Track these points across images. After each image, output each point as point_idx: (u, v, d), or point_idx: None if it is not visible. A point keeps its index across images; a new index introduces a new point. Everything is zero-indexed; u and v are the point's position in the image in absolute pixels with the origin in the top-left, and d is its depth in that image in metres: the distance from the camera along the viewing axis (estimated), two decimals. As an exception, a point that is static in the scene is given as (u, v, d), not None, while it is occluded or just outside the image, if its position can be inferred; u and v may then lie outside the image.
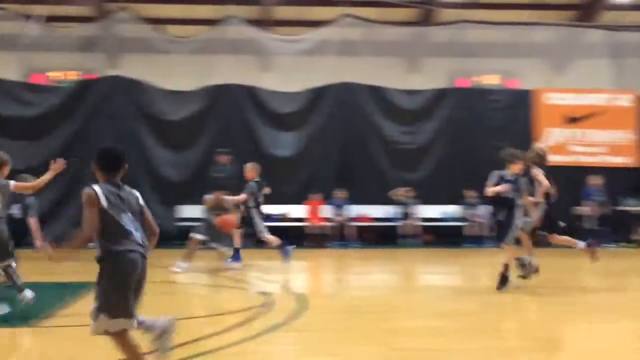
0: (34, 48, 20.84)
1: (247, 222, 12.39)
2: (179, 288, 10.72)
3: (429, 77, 20.27)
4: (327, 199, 17.81)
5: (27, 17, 20.98)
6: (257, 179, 12.72)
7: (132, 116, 17.54)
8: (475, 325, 7.53)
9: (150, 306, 8.78)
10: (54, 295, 9.53)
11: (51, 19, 24.69)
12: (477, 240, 17.67)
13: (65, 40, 20.92)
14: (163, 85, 18.48)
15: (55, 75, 26.29)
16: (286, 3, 26.07)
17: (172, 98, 18.23)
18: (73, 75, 26.02)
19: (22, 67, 21.38)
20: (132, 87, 17.82)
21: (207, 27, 20.69)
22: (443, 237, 17.92)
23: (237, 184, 15.74)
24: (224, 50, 19.16)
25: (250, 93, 18.35)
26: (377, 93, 18.76)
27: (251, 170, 12.76)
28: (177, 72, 19.39)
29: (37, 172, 16.75)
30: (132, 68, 20.57)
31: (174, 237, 15.14)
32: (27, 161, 16.99)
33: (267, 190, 12.90)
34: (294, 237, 16.24)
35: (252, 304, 8.56)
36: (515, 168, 9.96)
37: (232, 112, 17.99)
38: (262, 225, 12.34)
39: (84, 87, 18.13)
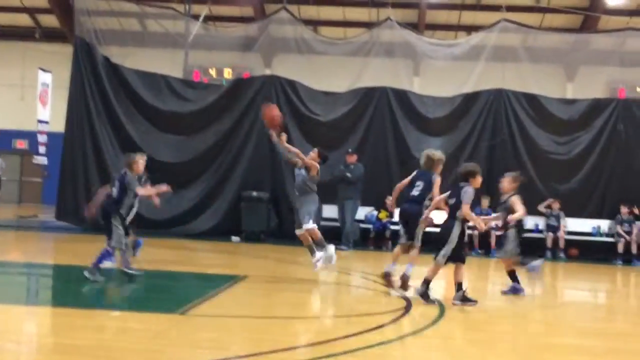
0: (196, 46, 21.74)
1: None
2: (322, 287, 10.84)
3: (587, 86, 19.54)
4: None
5: (191, 16, 21.93)
6: None
7: (284, 114, 17.90)
8: (632, 347, 7.14)
9: (291, 302, 9.02)
10: (200, 285, 9.89)
11: (212, 18, 25.78)
12: (628, 258, 16.83)
13: (225, 39, 21.66)
14: (315, 86, 18.76)
15: (212, 73, 27.42)
16: (442, 7, 25.95)
17: (323, 99, 18.47)
18: (229, 73, 27.06)
19: (184, 64, 22.38)
20: (285, 87, 18.21)
21: (361, 30, 20.87)
22: (591, 252, 17.18)
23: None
24: (377, 53, 19.19)
25: (401, 96, 18.29)
26: (531, 101, 18.22)
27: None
28: (330, 74, 19.64)
29: (192, 165, 17.60)
30: (286, 68, 21.03)
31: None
32: (184, 154, 17.86)
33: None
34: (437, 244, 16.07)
35: (394, 307, 8.54)
36: None
37: (381, 115, 18.01)
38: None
39: (239, 86, 18.67)
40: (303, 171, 11.08)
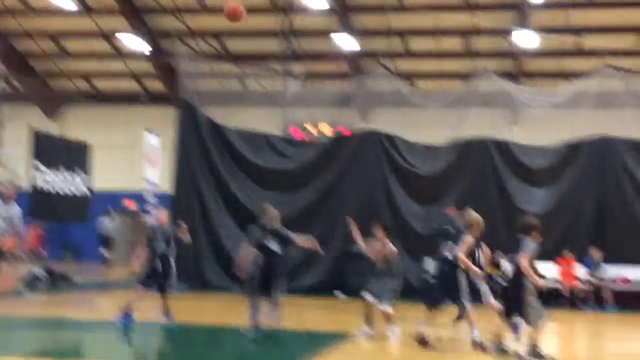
0: (294, 103, 22.22)
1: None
2: (435, 345, 10.69)
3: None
4: (581, 258, 17.00)
5: (289, 75, 22.46)
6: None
7: (383, 169, 17.98)
8: None
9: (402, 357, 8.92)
10: (308, 342, 9.93)
11: (309, 75, 26.29)
12: None
13: (322, 95, 22.05)
14: (414, 138, 18.80)
15: (310, 129, 27.86)
16: (539, 55, 25.67)
17: (422, 152, 18.47)
18: (327, 129, 27.43)
19: (282, 121, 22.88)
20: (383, 141, 18.30)
21: (457, 81, 20.86)
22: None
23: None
24: (475, 103, 19.13)
25: (501, 147, 18.10)
26: (639, 147, 17.72)
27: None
28: (428, 126, 19.66)
29: (294, 221, 17.81)
30: (383, 122, 21.18)
31: (416, 290, 15.21)
32: (286, 211, 18.07)
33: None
34: (544, 297, 15.66)
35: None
36: None
37: (482, 166, 17.84)
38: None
39: (338, 142, 18.91)
40: None
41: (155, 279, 10.83)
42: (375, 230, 10.79)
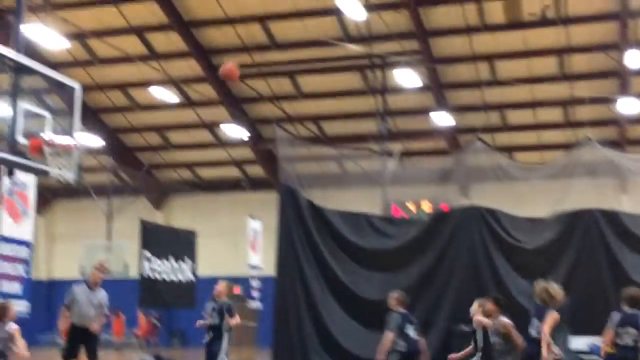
0: (393, 182, 22.23)
1: None
2: None
3: None
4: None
5: (386, 154, 22.57)
6: None
7: (486, 244, 17.60)
8: None
9: None
10: None
11: (407, 154, 26.37)
12: None
13: (421, 173, 22.00)
14: (516, 212, 18.38)
15: (411, 207, 27.73)
16: (643, 121, 24.99)
17: (527, 226, 17.97)
18: (427, 206, 27.25)
19: (382, 200, 22.87)
20: (485, 216, 17.92)
21: (559, 152, 20.48)
22: None
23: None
24: (579, 173, 18.63)
25: (610, 217, 17.42)
26: None
27: None
28: (530, 199, 19.27)
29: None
30: (484, 197, 20.89)
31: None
32: (386, 292, 17.89)
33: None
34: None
35: None
36: None
37: (590, 238, 17.19)
38: None
39: (439, 218, 18.67)
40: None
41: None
42: (487, 304, 10.42)
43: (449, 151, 25.75)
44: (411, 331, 10.10)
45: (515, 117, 26.82)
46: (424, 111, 26.56)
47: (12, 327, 10.62)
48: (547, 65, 25.13)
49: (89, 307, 13.11)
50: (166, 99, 27.21)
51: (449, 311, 17.24)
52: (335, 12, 23.05)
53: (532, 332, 9.20)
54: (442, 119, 25.77)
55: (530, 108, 26.15)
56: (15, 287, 13.32)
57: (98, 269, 13.42)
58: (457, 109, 26.20)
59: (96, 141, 27.98)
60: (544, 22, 23.45)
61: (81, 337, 13.21)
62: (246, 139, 28.74)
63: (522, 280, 16.80)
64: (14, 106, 10.30)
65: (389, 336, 10.45)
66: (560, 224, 17.55)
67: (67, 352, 13.30)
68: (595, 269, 16.87)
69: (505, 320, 10.17)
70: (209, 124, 29.39)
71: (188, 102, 28.26)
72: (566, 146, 21.84)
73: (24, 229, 13.77)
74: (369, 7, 22.11)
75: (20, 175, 13.02)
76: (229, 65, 11.28)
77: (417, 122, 26.66)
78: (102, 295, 13.40)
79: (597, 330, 15.35)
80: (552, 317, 9.04)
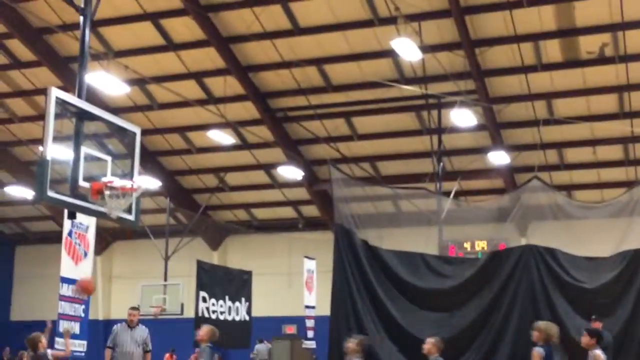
0: (449, 222, 22.06)
1: None
2: None
3: None
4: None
5: (442, 194, 22.46)
6: None
7: (545, 284, 17.29)
8: None
9: None
10: None
11: (463, 193, 26.20)
12: None
13: (477, 212, 21.78)
14: (576, 251, 18.04)
15: (467, 247, 27.45)
16: None
17: (586, 265, 17.60)
18: (483, 246, 26.92)
19: (438, 240, 22.71)
20: (544, 255, 17.62)
21: (619, 190, 20.07)
22: None
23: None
24: (640, 212, 18.22)
25: (673, 256, 16.99)
26: None
27: None
28: (590, 238, 18.88)
29: (456, 342, 17.32)
30: (542, 236, 20.52)
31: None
32: (446, 331, 17.65)
33: None
34: None
35: None
36: None
37: (652, 277, 16.76)
38: None
39: (495, 258, 18.40)
40: None
41: None
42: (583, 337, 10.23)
43: (506, 190, 25.48)
44: None
45: (574, 155, 26.47)
46: (480, 150, 26.42)
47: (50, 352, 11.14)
48: (606, 102, 24.84)
49: (132, 345, 13.56)
50: (223, 141, 27.62)
51: (507, 354, 16.93)
52: (390, 53, 23.23)
53: None
54: (499, 157, 25.57)
55: (589, 146, 25.80)
56: (74, 327, 13.58)
57: (135, 308, 13.82)
58: (514, 148, 25.98)
59: (154, 183, 28.48)
60: (602, 60, 23.24)
61: None
62: (302, 179, 28.94)
63: (583, 321, 16.42)
64: (76, 150, 10.60)
65: None
66: (621, 264, 17.14)
67: None
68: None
69: (598, 352, 9.94)
70: (265, 165, 29.71)
71: (244, 144, 28.64)
72: (627, 184, 21.44)
73: (83, 270, 14.05)
74: (424, 49, 22.23)
75: (81, 218, 13.33)
76: (86, 280, 12.61)
77: (473, 161, 26.52)
78: (142, 331, 13.81)
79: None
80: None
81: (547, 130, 24.90)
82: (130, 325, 13.64)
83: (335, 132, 27.27)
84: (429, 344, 12.10)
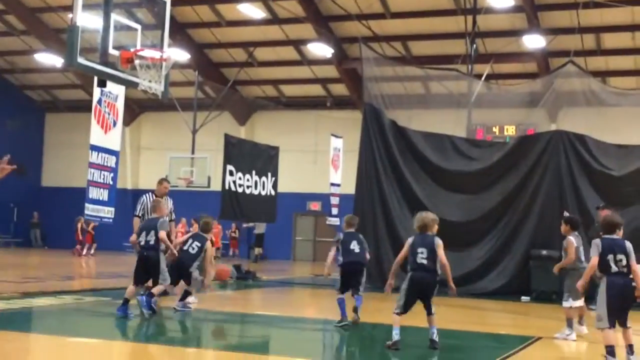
0: (479, 105, 21.82)
1: None
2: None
3: None
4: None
5: (474, 76, 22.09)
6: None
7: (572, 170, 17.23)
8: None
9: None
10: (492, 346, 9.70)
11: (495, 76, 25.77)
12: None
13: (508, 96, 21.50)
14: (606, 139, 17.86)
15: (496, 131, 27.27)
16: None
17: (616, 152, 17.48)
18: (512, 130, 26.73)
19: (467, 123, 22.54)
20: (573, 142, 17.48)
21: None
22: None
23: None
24: (675, 100, 17.89)
25: None
26: None
27: None
28: (622, 125, 18.68)
29: (479, 223, 17.45)
30: (573, 122, 20.31)
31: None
32: (471, 213, 17.81)
33: None
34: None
35: None
36: None
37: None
38: None
39: (524, 143, 18.32)
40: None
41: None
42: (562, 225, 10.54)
43: (539, 74, 25.02)
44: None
45: (612, 40, 25.77)
46: (515, 32, 25.78)
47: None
48: (648, -14, 23.94)
49: None
50: (253, 14, 27.17)
51: (528, 236, 17.11)
52: None
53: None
54: (534, 41, 24.98)
55: (628, 31, 25.07)
56: (102, 194, 13.85)
57: (167, 180, 13.75)
58: (550, 31, 25.33)
59: (183, 56, 28.29)
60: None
61: None
62: (332, 57, 28.58)
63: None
64: (106, 18, 10.48)
65: None
66: (651, 151, 17.02)
67: None
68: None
69: (571, 239, 10.31)
70: (294, 41, 29.30)
71: (275, 19, 28.17)
72: (663, 72, 20.97)
73: (112, 139, 14.21)
74: None
75: (110, 87, 13.34)
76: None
77: (507, 43, 25.92)
78: (168, 202, 13.89)
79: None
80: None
81: (585, 13, 24.14)
82: (159, 197, 13.78)
83: (367, 9, 26.66)
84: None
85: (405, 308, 8.86)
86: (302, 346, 9.56)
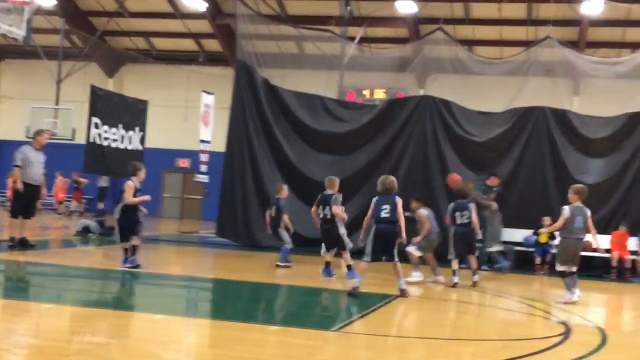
0: (351, 68, 22.05)
1: None
2: (477, 309, 10.63)
3: None
4: (636, 231, 16.55)
5: (347, 38, 22.27)
6: None
7: (437, 136, 17.74)
8: None
9: (446, 324, 8.92)
10: (355, 303, 9.93)
11: (367, 40, 26.06)
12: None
13: (379, 60, 21.82)
14: (471, 106, 18.47)
15: (367, 94, 27.68)
16: (604, 24, 24.97)
17: (479, 119, 18.08)
18: (382, 94, 27.22)
19: (338, 85, 22.76)
20: (439, 107, 17.97)
21: (518, 49, 20.39)
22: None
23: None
24: (536, 72, 18.68)
25: (560, 116, 17.63)
26: None
27: None
28: (485, 94, 19.34)
29: (347, 184, 17.73)
30: (441, 88, 20.91)
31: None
32: (338, 174, 17.99)
33: None
34: (597, 268, 15.39)
35: (550, 333, 8.22)
36: None
37: (539, 135, 17.42)
38: None
39: (393, 106, 18.66)
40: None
41: None
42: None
43: (410, 40, 25.49)
44: None
45: (480, 10, 26.56)
46: (388, -3, 26.14)
47: None
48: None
49: (39, 167, 13.57)
50: (124, -38, 26.22)
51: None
52: None
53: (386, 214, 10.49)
54: (406, 6, 25.40)
55: (495, 2, 25.90)
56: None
57: (46, 132, 13.49)
58: (422, -2, 25.83)
59: (48, 1, 26.96)
60: None
61: (33, 195, 13.75)
62: (205, 12, 28.01)
63: (469, 172, 17.08)
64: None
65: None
66: (511, 120, 17.73)
67: (18, 210, 13.74)
68: (540, 164, 17.21)
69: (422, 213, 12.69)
70: (167, -8, 28.55)
71: (147, -32, 27.33)
72: (526, 43, 21.75)
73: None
74: None
75: (-34, 29, 12.55)
76: None
77: (380, 7, 26.23)
78: (43, 155, 13.84)
79: (534, 223, 15.87)
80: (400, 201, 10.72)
81: (456, -18, 24.77)
82: (37, 148, 13.71)
83: (243, -36, 26.24)
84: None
85: (373, 256, 10.24)
86: (163, 302, 9.46)
